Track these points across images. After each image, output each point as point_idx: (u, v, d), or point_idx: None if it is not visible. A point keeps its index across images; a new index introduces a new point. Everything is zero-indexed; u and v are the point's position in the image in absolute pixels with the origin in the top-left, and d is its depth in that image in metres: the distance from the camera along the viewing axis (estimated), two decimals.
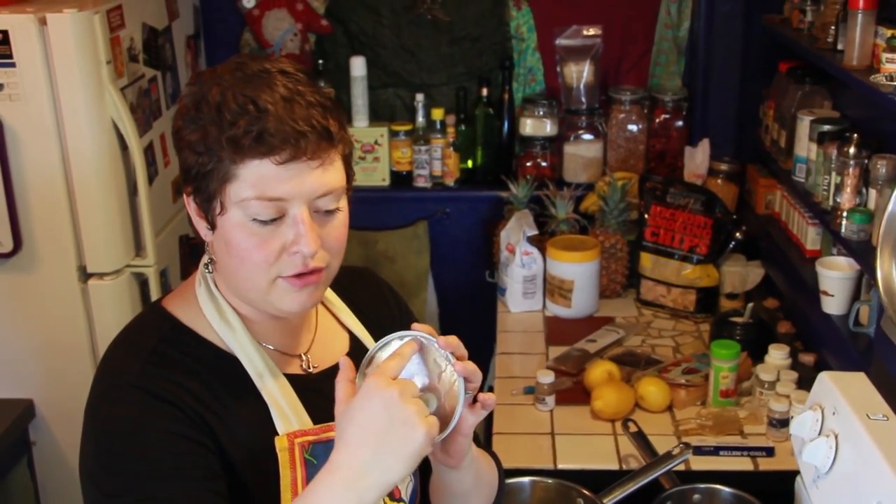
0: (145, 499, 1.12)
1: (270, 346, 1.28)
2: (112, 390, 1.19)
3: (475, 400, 1.19)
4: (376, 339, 1.33)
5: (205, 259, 1.27)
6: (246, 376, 1.23)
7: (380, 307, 1.45)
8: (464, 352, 1.16)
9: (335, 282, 1.38)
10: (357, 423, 1.07)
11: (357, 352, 1.30)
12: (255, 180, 1.12)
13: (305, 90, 1.16)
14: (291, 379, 1.27)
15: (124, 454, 1.14)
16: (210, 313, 1.25)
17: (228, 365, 1.23)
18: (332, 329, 1.38)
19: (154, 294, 2.49)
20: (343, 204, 1.22)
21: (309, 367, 1.31)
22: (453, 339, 1.15)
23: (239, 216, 1.15)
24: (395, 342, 1.16)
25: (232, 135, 1.11)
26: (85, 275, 2.43)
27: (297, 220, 1.15)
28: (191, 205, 1.21)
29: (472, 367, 1.16)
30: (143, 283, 2.51)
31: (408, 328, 1.41)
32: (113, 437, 1.16)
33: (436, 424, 1.09)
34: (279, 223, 1.15)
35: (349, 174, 1.23)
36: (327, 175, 1.16)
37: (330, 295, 1.39)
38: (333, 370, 1.16)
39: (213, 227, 1.19)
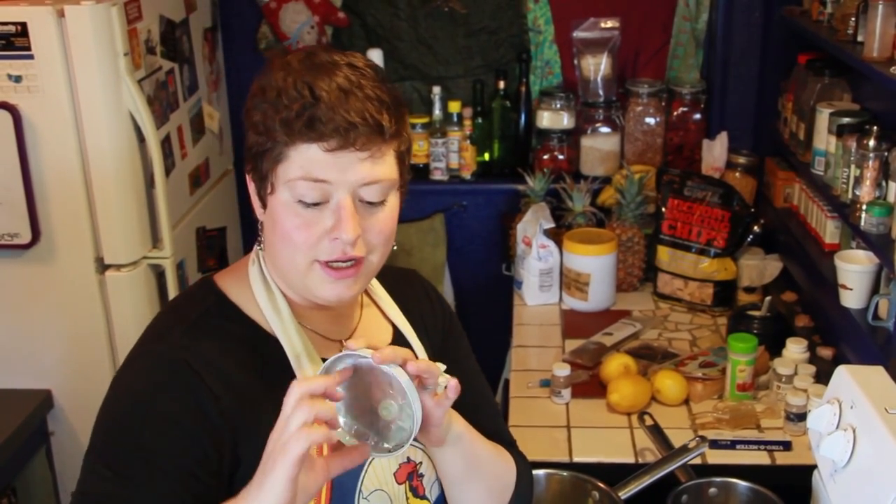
0: (118, 475, 1.13)
1: (313, 330, 1.29)
2: (143, 356, 1.22)
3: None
4: (419, 333, 1.37)
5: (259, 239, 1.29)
6: (284, 358, 1.24)
7: (423, 305, 1.47)
8: (402, 356, 1.14)
9: (382, 280, 1.40)
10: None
11: (399, 343, 1.31)
12: (303, 162, 1.15)
13: (367, 84, 1.17)
14: None
15: (123, 424, 1.17)
16: (258, 290, 1.27)
17: (267, 346, 1.24)
18: (376, 320, 1.39)
19: (170, 286, 2.50)
20: (392, 199, 1.23)
21: None
22: (387, 351, 1.13)
23: (286, 196, 1.18)
24: (336, 363, 1.14)
25: (285, 117, 1.15)
26: (102, 266, 2.44)
27: (340, 205, 1.17)
28: (250, 184, 1.25)
29: (422, 365, 1.15)
30: (159, 274, 2.52)
31: (449, 330, 1.41)
32: (122, 404, 1.19)
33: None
34: (322, 208, 1.17)
35: (402, 171, 1.24)
36: (376, 167, 1.17)
37: (378, 289, 1.41)
38: None
39: (264, 206, 1.23)
